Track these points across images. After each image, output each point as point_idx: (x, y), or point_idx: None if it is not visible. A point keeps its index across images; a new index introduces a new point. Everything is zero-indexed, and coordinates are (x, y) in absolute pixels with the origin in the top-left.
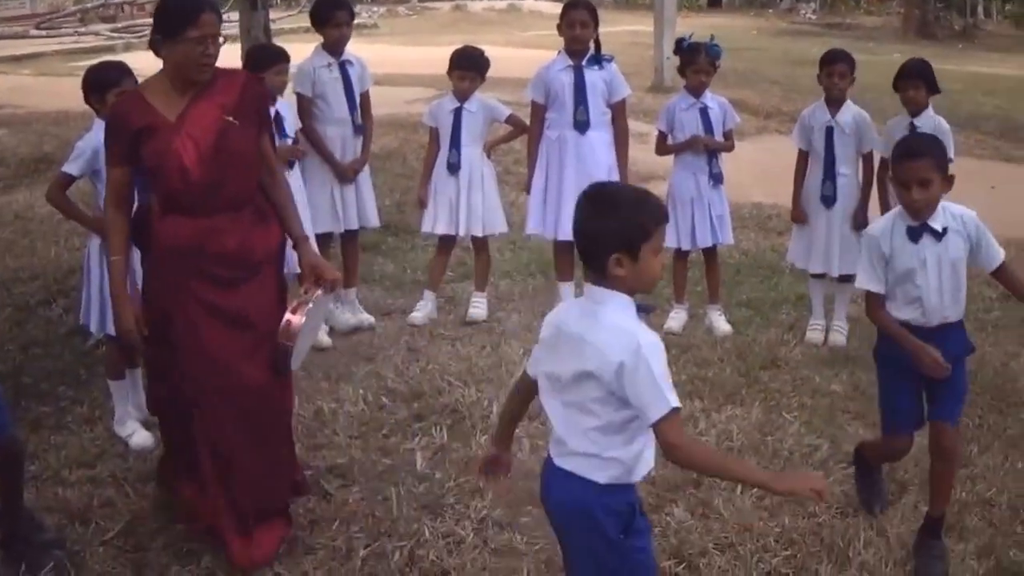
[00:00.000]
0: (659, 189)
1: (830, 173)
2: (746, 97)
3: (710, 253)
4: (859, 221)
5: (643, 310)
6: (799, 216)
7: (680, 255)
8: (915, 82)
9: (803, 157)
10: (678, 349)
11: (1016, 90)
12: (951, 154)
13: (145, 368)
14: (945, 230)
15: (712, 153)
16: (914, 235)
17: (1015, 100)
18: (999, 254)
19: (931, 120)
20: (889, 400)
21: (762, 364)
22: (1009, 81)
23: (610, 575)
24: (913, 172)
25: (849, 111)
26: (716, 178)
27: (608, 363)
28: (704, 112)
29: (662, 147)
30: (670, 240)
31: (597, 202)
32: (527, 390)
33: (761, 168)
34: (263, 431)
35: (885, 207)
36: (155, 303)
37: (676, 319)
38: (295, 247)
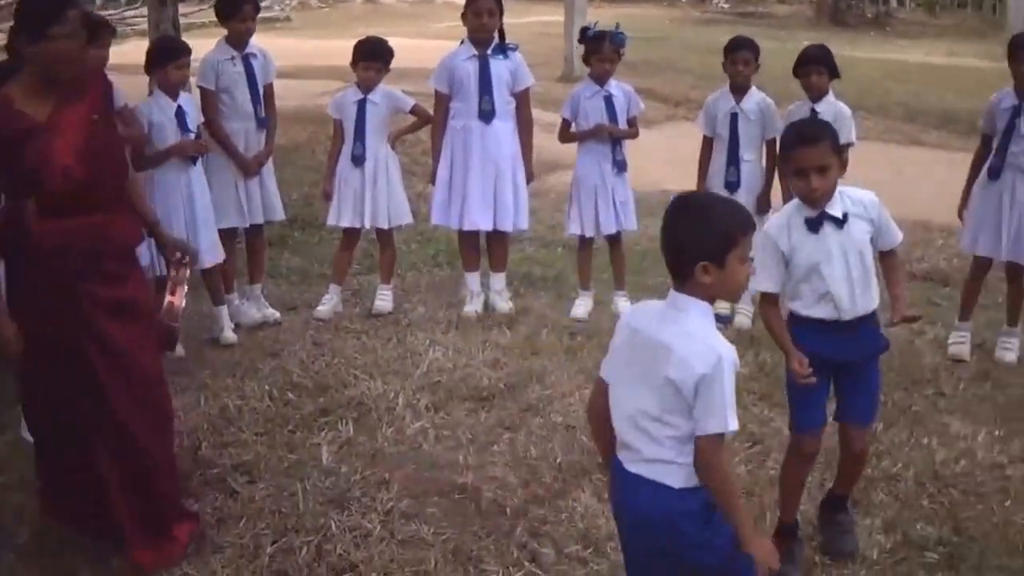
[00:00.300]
0: (565, 178)
1: (734, 159)
2: (656, 85)
3: (614, 240)
4: (763, 206)
5: (721, 320)
6: None
7: (584, 242)
8: (817, 68)
9: (707, 143)
10: (584, 336)
11: (926, 76)
12: (853, 138)
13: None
14: (846, 216)
15: (616, 141)
16: (814, 226)
17: (925, 86)
18: (898, 236)
19: (832, 106)
20: (798, 395)
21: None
22: (919, 68)
23: (700, 566)
24: (812, 159)
25: (753, 98)
26: (619, 165)
27: (692, 374)
28: (608, 100)
29: (565, 135)
30: (573, 227)
31: (685, 211)
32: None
33: (670, 155)
34: (164, 421)
35: (788, 192)
36: (38, 313)
37: (582, 306)
38: (151, 233)
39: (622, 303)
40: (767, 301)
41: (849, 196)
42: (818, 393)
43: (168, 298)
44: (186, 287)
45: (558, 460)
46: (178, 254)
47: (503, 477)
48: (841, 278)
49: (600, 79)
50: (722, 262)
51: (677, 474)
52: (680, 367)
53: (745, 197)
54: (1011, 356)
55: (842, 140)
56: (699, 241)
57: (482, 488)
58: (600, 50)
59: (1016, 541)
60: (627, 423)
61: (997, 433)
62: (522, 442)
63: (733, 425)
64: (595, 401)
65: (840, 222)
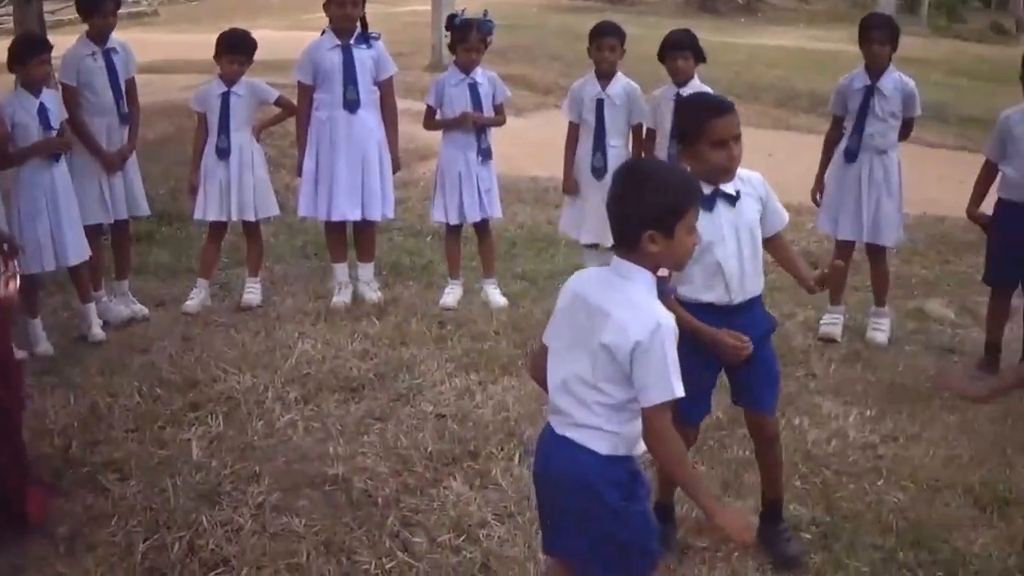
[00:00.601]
0: (434, 166)
1: (600, 145)
2: (526, 73)
3: (482, 228)
4: None
5: (662, 292)
6: (570, 187)
7: (451, 230)
8: (683, 52)
9: (574, 129)
10: (454, 324)
11: (796, 61)
12: None
13: None
14: (738, 193)
15: (481, 129)
16: (708, 203)
17: (794, 71)
18: (785, 216)
19: (698, 89)
20: (689, 384)
21: (538, 336)
22: (790, 53)
23: (610, 542)
24: (731, 127)
25: (619, 83)
26: (484, 153)
27: (627, 340)
28: (473, 88)
29: (430, 122)
30: (438, 215)
31: (633, 179)
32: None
33: (539, 142)
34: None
35: None
36: None
37: (451, 294)
38: None
39: (491, 291)
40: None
41: (738, 175)
42: (705, 384)
43: (1, 292)
44: (18, 279)
45: (429, 449)
46: (5, 246)
47: (374, 467)
48: (733, 258)
49: (466, 67)
50: (670, 232)
51: (605, 441)
52: (616, 333)
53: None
54: (881, 336)
55: None
56: (647, 210)
57: (353, 479)
58: (467, 38)
59: (889, 520)
60: (560, 387)
61: (868, 413)
62: (392, 432)
63: (679, 391)
64: (535, 362)
65: (733, 200)
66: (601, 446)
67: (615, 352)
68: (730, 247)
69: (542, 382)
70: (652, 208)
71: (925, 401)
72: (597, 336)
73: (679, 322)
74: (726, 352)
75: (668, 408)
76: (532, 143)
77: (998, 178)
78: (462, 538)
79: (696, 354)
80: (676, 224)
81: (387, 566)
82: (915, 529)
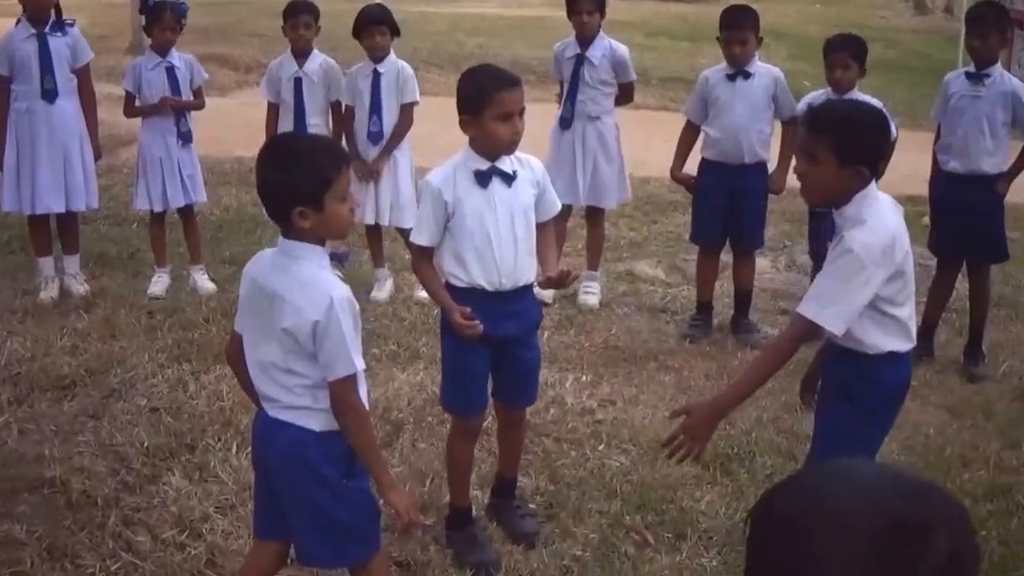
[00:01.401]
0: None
1: (300, 124)
2: (226, 52)
3: (186, 213)
4: None
5: (337, 258)
6: None
7: (156, 217)
8: (379, 28)
9: (273, 109)
10: (163, 314)
11: (497, 28)
12: (416, 97)
13: None
14: (515, 174)
15: (180, 113)
16: (483, 180)
17: (495, 38)
18: (557, 204)
19: (394, 65)
20: (461, 373)
21: None
22: (490, 20)
23: (332, 519)
24: (518, 101)
25: (316, 61)
26: (185, 137)
27: (304, 321)
28: (171, 71)
29: (130, 109)
30: (141, 202)
31: (274, 157)
32: (241, 349)
33: (243, 122)
34: None
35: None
36: None
37: (159, 283)
38: None
39: (199, 278)
40: (422, 255)
41: (516, 155)
42: (480, 373)
43: None
44: None
45: (145, 444)
46: None
47: (91, 467)
48: (506, 238)
49: (162, 49)
50: (319, 205)
51: (317, 419)
52: (294, 316)
53: None
54: (593, 300)
55: (406, 100)
56: (291, 186)
57: (71, 480)
58: (161, 20)
59: (613, 485)
60: (261, 374)
61: (585, 378)
62: (107, 429)
63: (359, 364)
64: (230, 350)
65: (509, 179)
66: (314, 424)
67: (297, 335)
68: (503, 228)
69: (240, 372)
70: (296, 183)
71: (640, 363)
72: (278, 322)
73: (425, 285)
74: (453, 327)
75: (353, 381)
76: (235, 123)
77: (700, 138)
78: (185, 534)
79: (464, 343)
80: (325, 195)
81: (112, 568)
82: (640, 492)
